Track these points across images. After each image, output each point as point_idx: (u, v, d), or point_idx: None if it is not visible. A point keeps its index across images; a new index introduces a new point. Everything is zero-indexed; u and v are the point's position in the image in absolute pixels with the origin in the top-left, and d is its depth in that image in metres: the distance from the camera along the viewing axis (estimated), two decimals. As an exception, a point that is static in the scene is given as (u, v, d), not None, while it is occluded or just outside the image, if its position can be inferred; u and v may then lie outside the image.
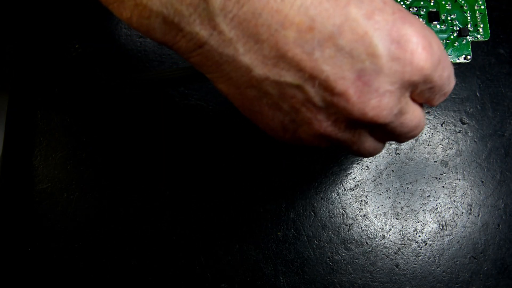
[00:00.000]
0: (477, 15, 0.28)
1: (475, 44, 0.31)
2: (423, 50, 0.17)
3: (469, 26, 0.28)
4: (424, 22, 0.28)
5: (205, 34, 0.16)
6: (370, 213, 0.30)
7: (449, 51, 0.28)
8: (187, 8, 0.16)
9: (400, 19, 0.16)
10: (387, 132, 0.20)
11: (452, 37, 0.28)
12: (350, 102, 0.17)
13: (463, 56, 0.28)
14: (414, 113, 0.19)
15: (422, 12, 0.28)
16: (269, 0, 0.15)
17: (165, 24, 0.16)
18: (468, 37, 0.28)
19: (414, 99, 0.19)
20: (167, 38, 0.17)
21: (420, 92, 0.18)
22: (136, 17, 0.17)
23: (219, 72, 0.17)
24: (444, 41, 0.28)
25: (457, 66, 0.31)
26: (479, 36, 0.28)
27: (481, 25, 0.28)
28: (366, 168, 0.30)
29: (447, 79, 0.19)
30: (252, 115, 0.19)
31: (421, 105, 0.20)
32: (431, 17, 0.28)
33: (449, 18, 0.28)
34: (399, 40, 0.16)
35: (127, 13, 0.17)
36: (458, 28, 0.28)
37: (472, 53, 0.28)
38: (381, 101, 0.17)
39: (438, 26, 0.28)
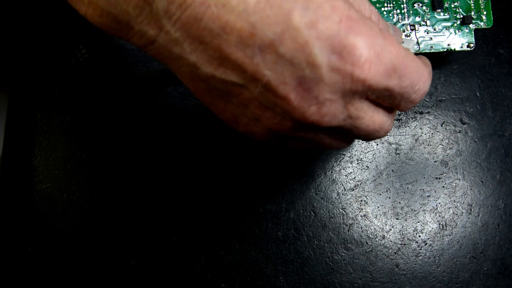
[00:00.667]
0: (480, 2, 0.28)
1: (475, 44, 0.31)
2: (365, 62, 0.16)
3: (472, 13, 0.28)
4: (428, 10, 0.28)
5: (153, 33, 0.17)
6: (370, 213, 0.30)
7: (452, 38, 0.28)
8: (134, 10, 0.16)
9: (345, 29, 0.16)
10: (343, 133, 0.20)
11: (455, 24, 0.28)
12: (291, 106, 0.17)
13: (466, 44, 0.28)
14: (372, 118, 0.19)
15: (425, 0, 0.28)
16: (209, 5, 0.16)
17: (116, 22, 0.17)
18: (471, 24, 0.28)
19: (379, 103, 0.19)
20: (120, 34, 0.18)
21: (378, 98, 0.18)
22: (90, 14, 0.18)
23: (173, 65, 0.18)
24: (448, 29, 0.28)
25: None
26: (482, 23, 0.28)
27: (485, 12, 0.28)
28: (366, 168, 0.30)
29: (409, 87, 0.18)
30: (208, 105, 0.20)
31: (390, 108, 0.20)
32: (435, 5, 0.28)
33: (452, 5, 0.28)
34: (340, 51, 0.16)
35: (83, 10, 0.18)
36: (461, 16, 0.28)
37: (475, 44, 0.28)
38: (321, 108, 0.17)
39: (442, 14, 0.28)
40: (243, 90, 0.17)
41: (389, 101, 0.19)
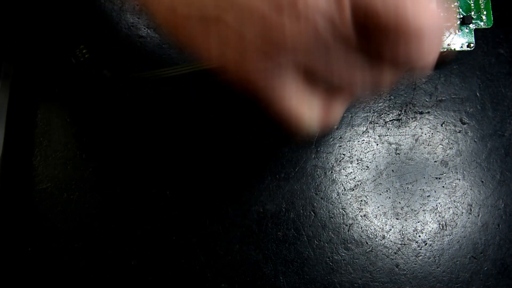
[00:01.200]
0: (480, 2, 0.28)
1: (475, 44, 0.31)
2: None
3: (472, 13, 0.28)
4: None
5: None
6: (370, 213, 0.30)
7: (453, 38, 0.28)
8: None
9: None
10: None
11: (455, 24, 0.28)
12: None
13: (466, 44, 0.28)
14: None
15: None
16: None
17: None
18: (471, 24, 0.28)
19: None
20: None
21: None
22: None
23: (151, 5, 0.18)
24: (448, 29, 0.28)
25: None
26: (482, 23, 0.28)
27: (484, 12, 0.28)
28: (366, 168, 0.30)
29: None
30: (193, 47, 0.19)
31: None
32: None
33: (452, 5, 0.28)
34: None
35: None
36: (461, 16, 0.28)
37: (475, 44, 0.28)
38: None
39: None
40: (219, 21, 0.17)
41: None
